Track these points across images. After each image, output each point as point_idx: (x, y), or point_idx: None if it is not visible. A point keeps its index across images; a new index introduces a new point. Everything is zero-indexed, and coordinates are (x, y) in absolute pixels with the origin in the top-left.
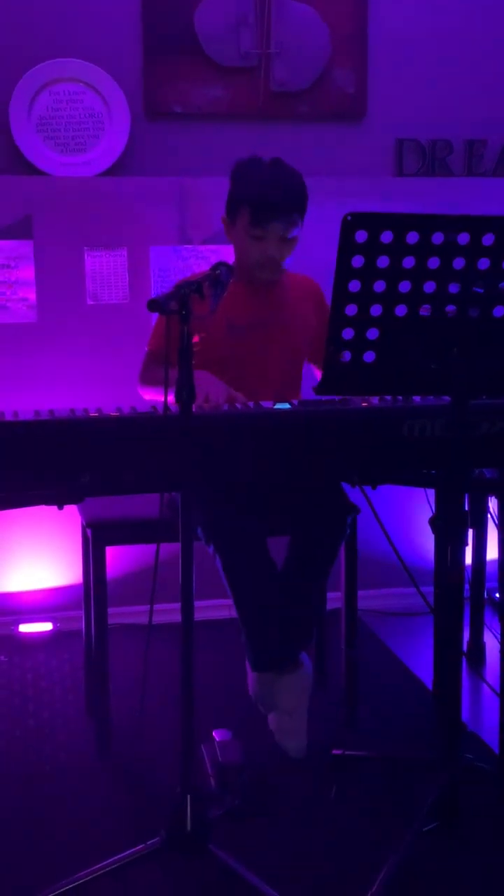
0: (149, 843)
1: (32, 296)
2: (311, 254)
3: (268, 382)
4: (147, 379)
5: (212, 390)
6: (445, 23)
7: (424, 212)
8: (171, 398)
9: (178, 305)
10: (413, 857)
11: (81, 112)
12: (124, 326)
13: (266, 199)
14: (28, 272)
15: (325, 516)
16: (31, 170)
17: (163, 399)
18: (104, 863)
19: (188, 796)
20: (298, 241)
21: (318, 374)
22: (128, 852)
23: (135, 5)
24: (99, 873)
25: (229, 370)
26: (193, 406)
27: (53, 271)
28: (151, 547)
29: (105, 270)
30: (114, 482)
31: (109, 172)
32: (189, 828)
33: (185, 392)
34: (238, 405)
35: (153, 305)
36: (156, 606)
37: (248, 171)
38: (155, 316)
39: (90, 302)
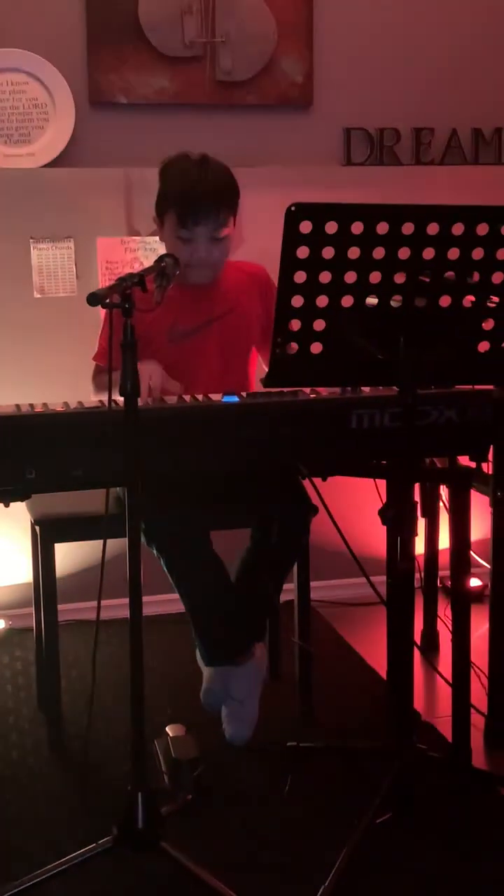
0: (100, 841)
1: None
2: (259, 244)
3: (216, 384)
4: (98, 384)
5: (149, 379)
6: (390, 11)
7: (373, 201)
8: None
9: (119, 298)
10: (366, 848)
11: (25, 103)
12: (72, 319)
13: (191, 201)
14: None
15: (288, 518)
16: None
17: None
18: (56, 863)
19: (139, 794)
20: (234, 237)
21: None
22: (79, 851)
23: None
24: (50, 873)
25: (174, 376)
26: (139, 399)
27: None
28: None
29: (51, 263)
30: (60, 478)
31: (55, 163)
32: (140, 825)
33: (130, 385)
34: (186, 397)
35: (93, 299)
36: (107, 602)
37: (173, 170)
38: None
39: (37, 295)
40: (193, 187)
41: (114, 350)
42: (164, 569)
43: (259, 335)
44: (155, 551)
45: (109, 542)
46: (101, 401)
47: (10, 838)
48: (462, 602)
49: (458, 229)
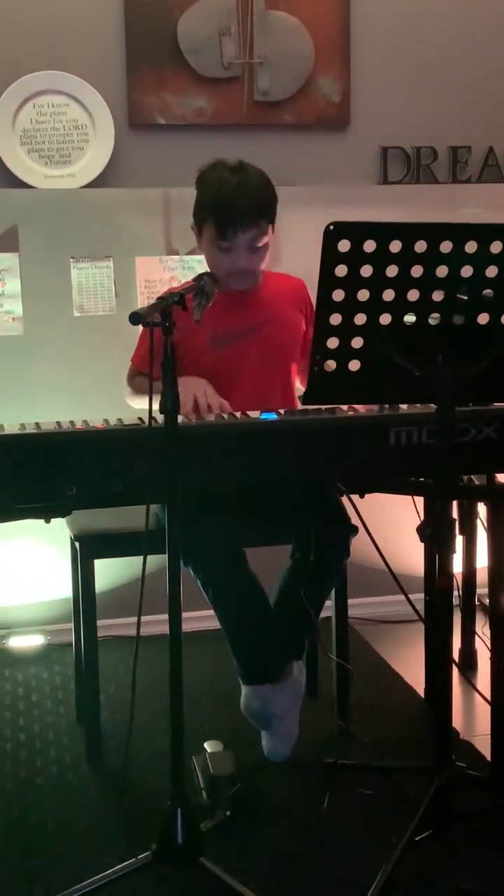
0: (140, 856)
1: (19, 309)
2: (297, 263)
3: (258, 393)
4: (134, 386)
5: (202, 395)
6: (427, 31)
7: (410, 219)
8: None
9: (161, 317)
10: (406, 866)
11: (66, 124)
12: (111, 338)
13: (230, 213)
14: (14, 285)
15: (328, 539)
16: (16, 182)
17: (148, 407)
18: (95, 877)
19: (178, 809)
20: (275, 247)
21: (297, 380)
22: (119, 866)
23: (118, 17)
24: (90, 888)
25: (215, 382)
26: (180, 414)
27: (39, 283)
28: (141, 559)
29: (91, 282)
30: (100, 495)
31: (94, 184)
32: (180, 841)
33: (170, 403)
34: (224, 415)
35: (135, 318)
36: (147, 618)
37: (210, 179)
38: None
39: (77, 314)
40: (231, 199)
41: (154, 367)
42: (201, 588)
43: (301, 349)
44: (191, 571)
45: (147, 558)
46: (140, 418)
47: (50, 853)
48: (500, 619)
49: (496, 247)
